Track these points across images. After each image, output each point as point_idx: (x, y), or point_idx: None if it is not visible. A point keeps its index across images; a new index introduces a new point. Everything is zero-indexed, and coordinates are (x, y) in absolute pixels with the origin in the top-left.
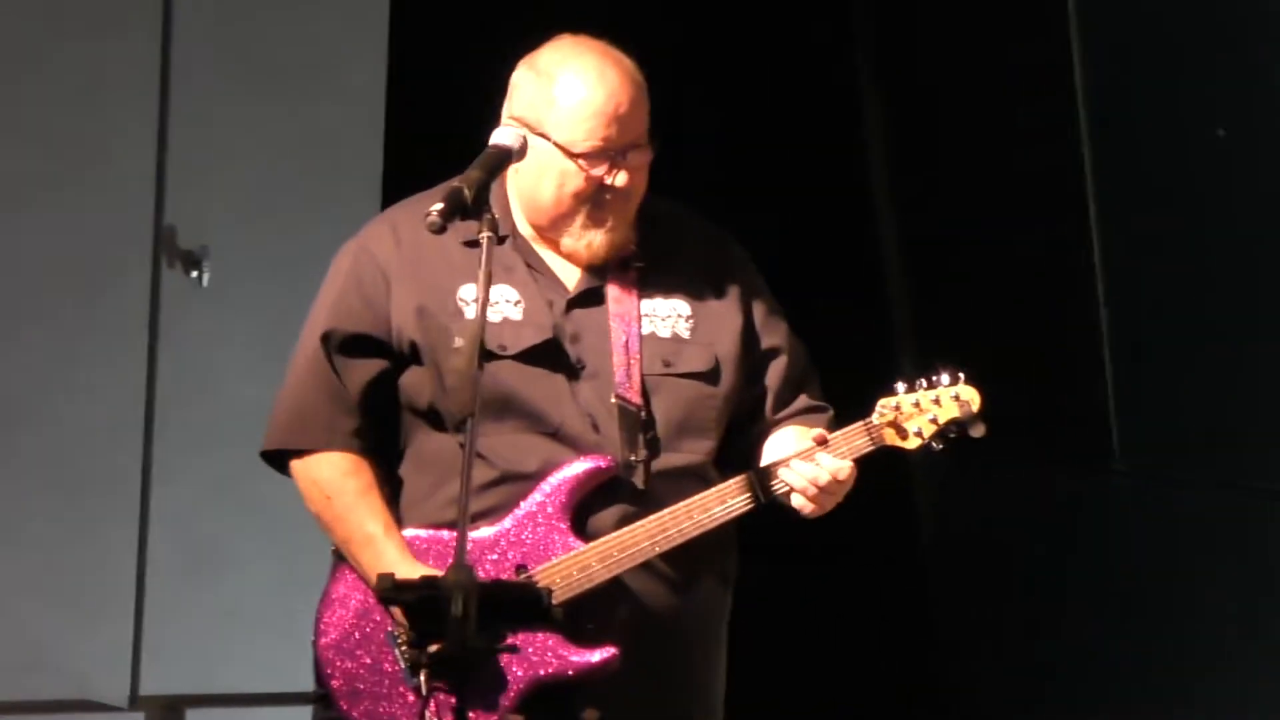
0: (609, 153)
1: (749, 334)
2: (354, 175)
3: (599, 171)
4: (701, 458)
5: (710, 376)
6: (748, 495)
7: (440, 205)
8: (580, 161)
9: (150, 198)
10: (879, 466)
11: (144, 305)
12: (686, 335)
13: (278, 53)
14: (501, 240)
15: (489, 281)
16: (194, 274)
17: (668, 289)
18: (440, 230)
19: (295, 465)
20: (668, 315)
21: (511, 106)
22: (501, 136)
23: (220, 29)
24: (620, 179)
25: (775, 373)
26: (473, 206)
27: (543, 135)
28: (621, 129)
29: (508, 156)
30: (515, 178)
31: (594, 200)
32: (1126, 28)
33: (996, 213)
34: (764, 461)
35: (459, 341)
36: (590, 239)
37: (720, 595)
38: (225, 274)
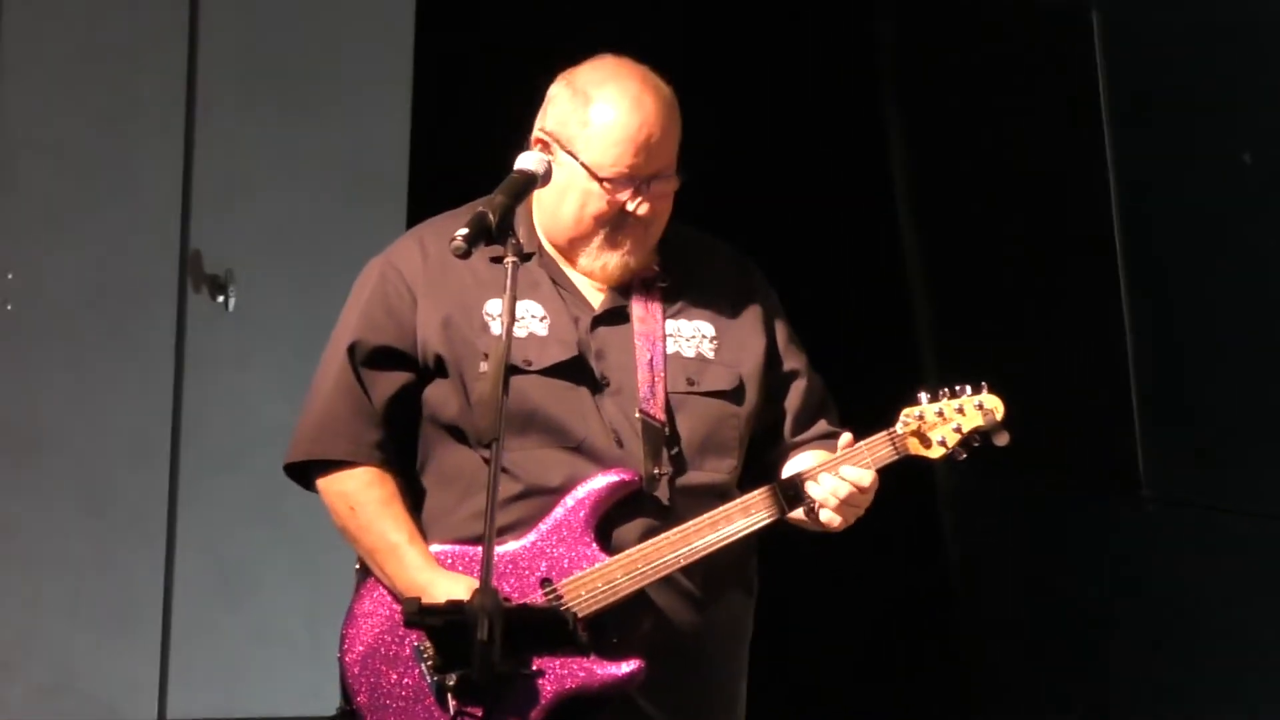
0: (634, 179)
1: (771, 356)
2: (379, 199)
3: (622, 196)
4: (725, 476)
5: (734, 395)
6: (771, 507)
7: (465, 230)
8: (605, 185)
9: (176, 222)
10: (905, 495)
11: (170, 329)
12: (711, 355)
13: (303, 77)
14: (528, 257)
15: (514, 306)
16: (219, 298)
17: (692, 310)
18: (465, 255)
19: (320, 479)
20: (692, 336)
21: (545, 120)
22: (526, 161)
23: (245, 54)
24: (643, 208)
25: (795, 395)
26: (497, 231)
27: (571, 153)
28: (650, 157)
29: (532, 181)
30: (540, 193)
31: (614, 224)
32: (1152, 51)
33: (1022, 239)
34: (786, 475)
35: (484, 366)
36: (606, 261)
37: (744, 609)
38: (250, 298)
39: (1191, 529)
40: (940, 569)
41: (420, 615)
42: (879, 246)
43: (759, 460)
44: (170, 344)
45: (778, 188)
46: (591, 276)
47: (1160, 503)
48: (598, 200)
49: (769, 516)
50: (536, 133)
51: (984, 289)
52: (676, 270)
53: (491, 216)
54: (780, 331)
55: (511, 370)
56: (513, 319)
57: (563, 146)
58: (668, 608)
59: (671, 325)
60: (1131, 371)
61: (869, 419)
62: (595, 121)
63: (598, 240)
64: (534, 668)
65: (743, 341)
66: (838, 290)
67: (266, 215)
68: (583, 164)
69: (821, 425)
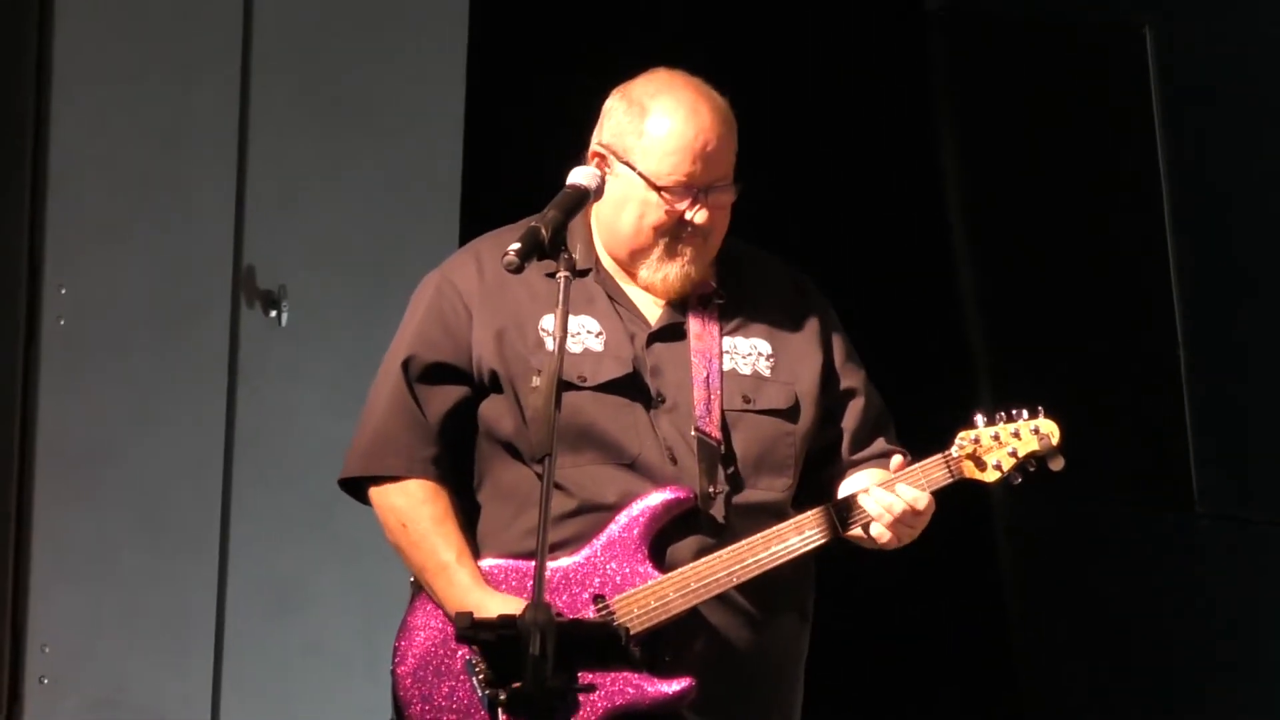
0: (692, 189)
1: (828, 374)
2: (431, 215)
3: (681, 206)
4: (780, 495)
5: (790, 414)
6: (825, 527)
7: (517, 245)
8: (663, 194)
9: (230, 238)
10: (957, 511)
11: (224, 345)
12: (767, 373)
13: (356, 94)
14: (584, 273)
15: (565, 322)
16: (273, 314)
17: (749, 328)
18: (518, 270)
19: (373, 492)
20: (748, 353)
21: (601, 133)
22: (579, 176)
23: (298, 71)
24: (700, 216)
25: (853, 414)
26: (550, 247)
27: (628, 164)
28: (707, 166)
29: (585, 197)
30: (598, 207)
31: (672, 234)
32: (1205, 63)
33: (1075, 255)
34: (842, 495)
35: (537, 380)
36: (667, 272)
37: (798, 631)
38: (303, 313)
39: (1245, 546)
40: (994, 588)
41: (473, 630)
42: (932, 264)
43: (816, 478)
44: (224, 359)
45: (831, 204)
46: (652, 289)
47: (1214, 519)
48: (656, 210)
49: (822, 536)
50: (594, 147)
51: (1037, 306)
52: (733, 287)
53: (544, 232)
54: (838, 349)
55: (566, 386)
56: (565, 333)
57: (620, 158)
58: (722, 627)
59: (728, 343)
60: (1185, 388)
61: (922, 440)
62: (652, 131)
63: (657, 252)
64: (591, 688)
65: (799, 360)
66: (891, 309)
67: (319, 231)
68: (640, 174)
69: (879, 444)
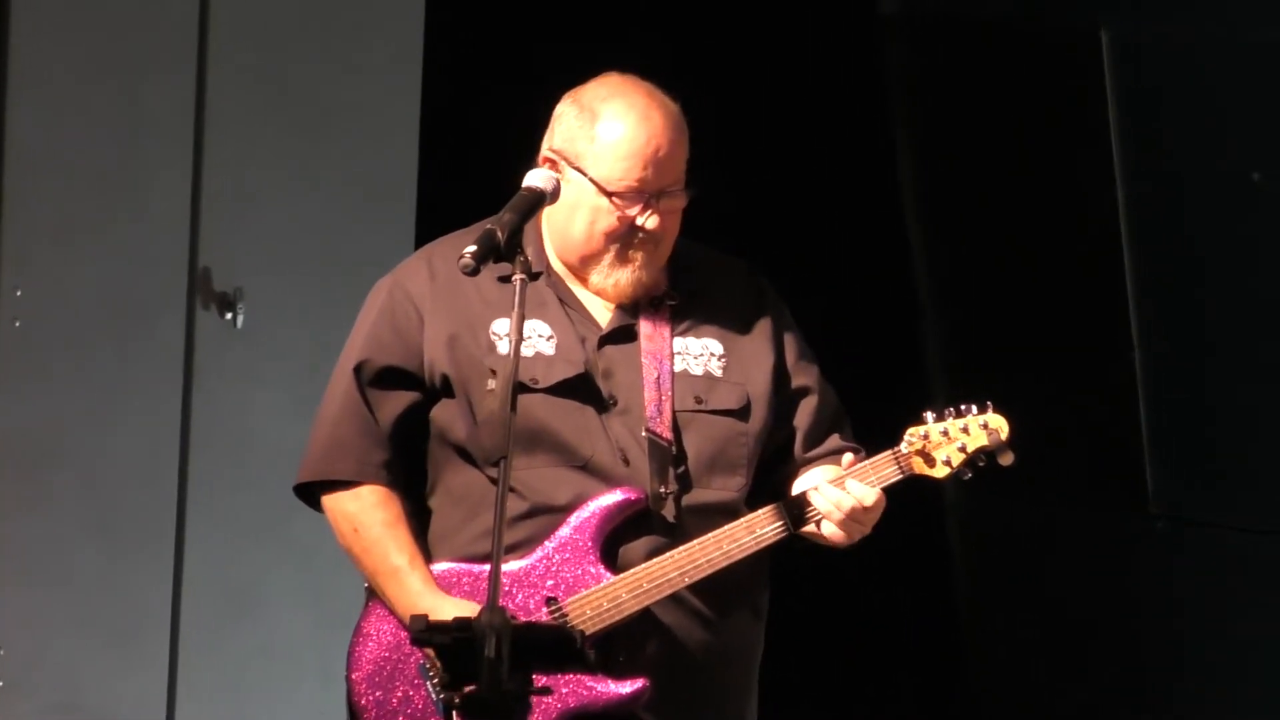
0: (643, 195)
1: (780, 373)
2: (387, 217)
3: (632, 212)
4: (733, 494)
5: (741, 414)
6: (777, 525)
7: (473, 248)
8: (614, 200)
9: (185, 239)
10: (911, 509)
11: (179, 347)
12: (719, 374)
13: (312, 95)
14: (535, 276)
15: (521, 324)
16: (228, 315)
17: (701, 328)
18: (474, 273)
19: (325, 499)
20: (700, 354)
21: (552, 139)
22: (534, 179)
23: (255, 71)
24: (651, 222)
25: (805, 412)
26: (505, 249)
27: (579, 170)
28: (658, 172)
29: (541, 199)
30: (549, 212)
31: (624, 240)
32: (1161, 70)
33: (1030, 256)
34: (794, 493)
35: (492, 384)
36: (618, 278)
37: (752, 629)
38: (259, 316)
39: (1199, 546)
40: (948, 588)
41: (428, 633)
42: (888, 265)
43: (771, 478)
44: (179, 361)
45: (787, 207)
46: (603, 294)
47: (1168, 520)
48: (607, 216)
49: (774, 534)
50: (545, 152)
51: (992, 306)
52: (685, 288)
53: (500, 234)
54: (790, 347)
55: (519, 388)
56: (520, 336)
57: (571, 164)
58: (676, 627)
59: (680, 343)
60: (1140, 389)
61: (878, 439)
62: (603, 137)
63: (608, 257)
64: (546, 691)
65: (751, 359)
66: (847, 309)
67: (275, 233)
68: (591, 180)
69: (834, 440)
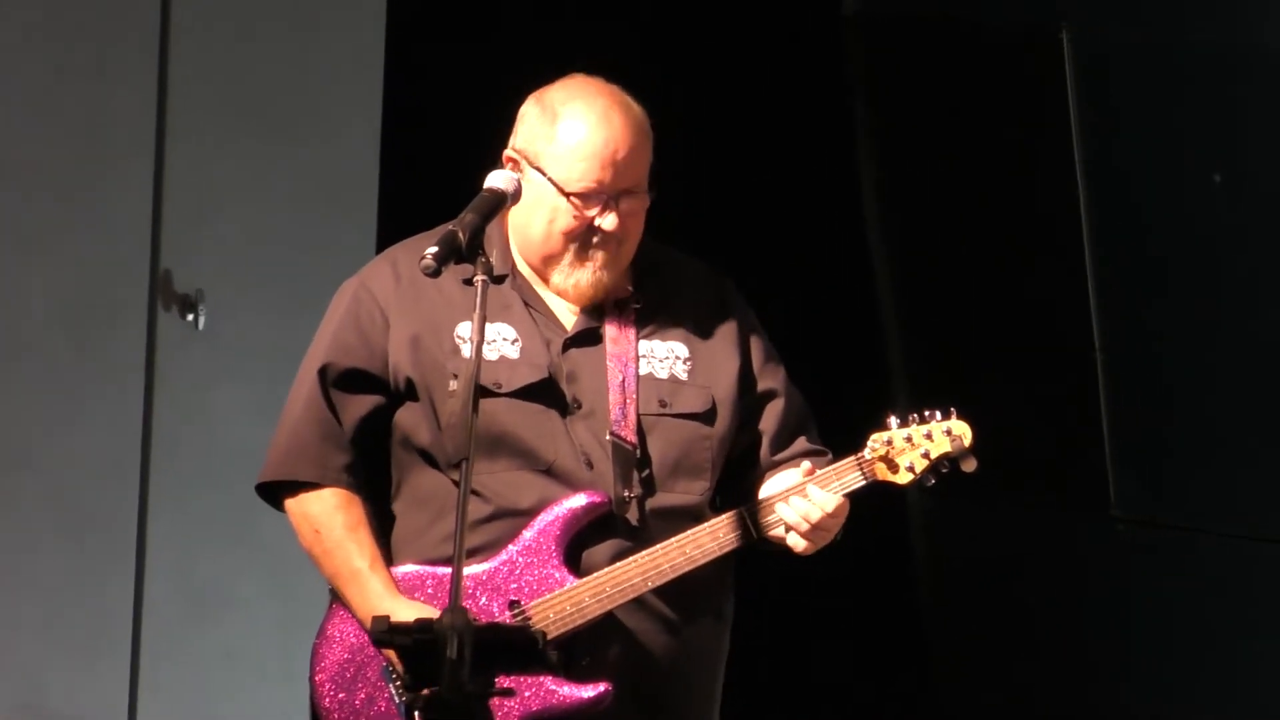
0: (602, 195)
1: (746, 377)
2: (349, 218)
3: (590, 213)
4: (696, 498)
5: (706, 417)
6: (740, 531)
7: (435, 249)
8: (572, 200)
9: (146, 241)
10: (874, 513)
11: (140, 348)
12: (684, 377)
13: (273, 97)
14: (501, 279)
15: (483, 326)
16: (189, 317)
17: (666, 331)
18: (435, 274)
19: (288, 501)
20: (665, 357)
21: (515, 139)
22: (496, 180)
23: (216, 74)
24: (609, 222)
25: (772, 416)
26: (467, 250)
27: (539, 169)
28: (617, 174)
29: (502, 200)
30: (513, 212)
31: (582, 240)
32: (1122, 70)
33: (991, 259)
34: (760, 498)
35: (454, 385)
36: (578, 278)
37: (717, 635)
38: (220, 317)
39: (1161, 549)
40: (910, 590)
41: (390, 634)
42: (849, 266)
43: (738, 482)
44: (141, 363)
45: (748, 207)
46: (564, 295)
47: (1130, 524)
48: (566, 216)
49: (736, 541)
50: (508, 151)
51: (953, 308)
52: (651, 291)
53: (461, 235)
54: (756, 351)
55: (482, 392)
56: (482, 337)
57: (531, 163)
58: (639, 631)
59: (644, 346)
60: (1102, 393)
61: (838, 443)
62: (562, 138)
63: (568, 257)
64: (509, 692)
65: (716, 363)
66: (807, 311)
67: (237, 235)
68: (550, 180)
69: (800, 444)
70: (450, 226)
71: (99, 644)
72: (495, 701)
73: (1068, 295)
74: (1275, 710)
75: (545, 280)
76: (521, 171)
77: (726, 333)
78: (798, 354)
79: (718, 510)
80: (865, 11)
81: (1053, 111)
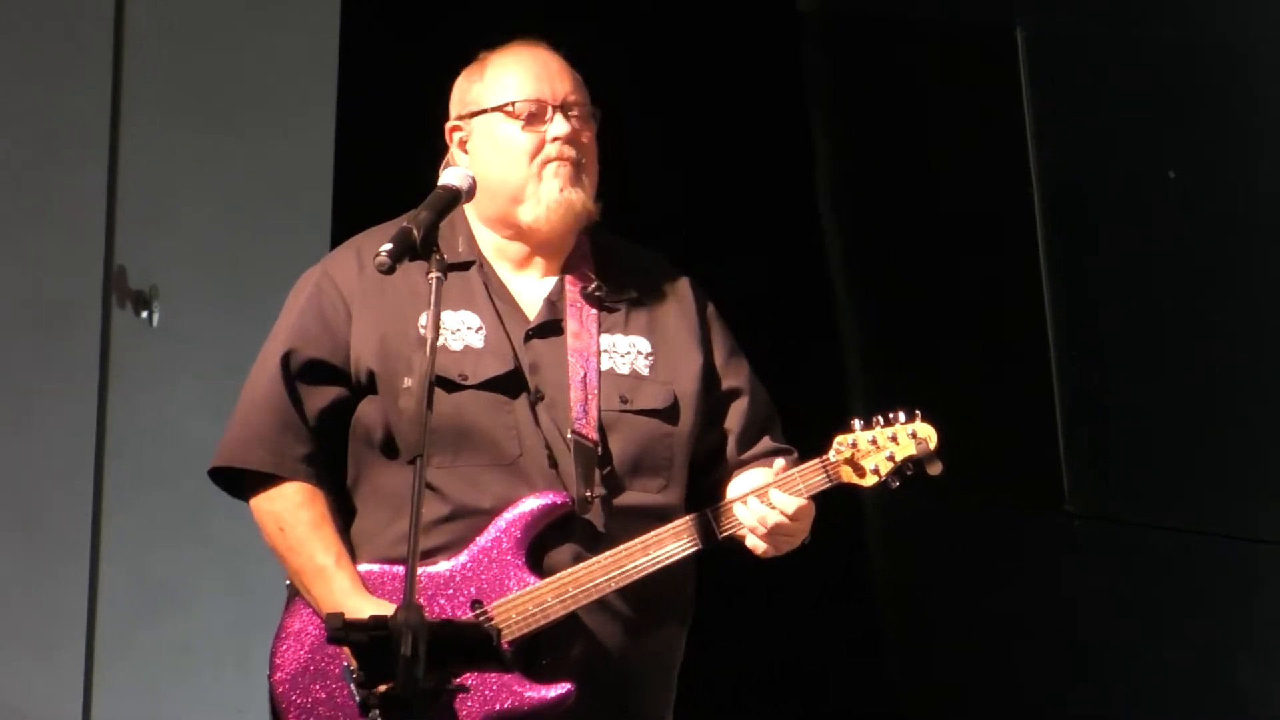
0: (545, 105)
1: (709, 374)
2: (304, 214)
3: (541, 127)
4: (658, 496)
5: (668, 414)
6: (703, 532)
7: (389, 246)
8: (521, 119)
9: (100, 238)
10: (829, 510)
11: (94, 345)
12: (645, 372)
13: (227, 94)
14: (467, 266)
15: (437, 322)
16: (144, 314)
17: (628, 324)
18: (390, 271)
19: (252, 498)
20: (627, 351)
21: (451, 115)
22: (451, 177)
23: (170, 70)
24: (560, 127)
25: (737, 414)
26: (422, 247)
27: (482, 111)
28: (554, 84)
29: (457, 197)
30: (481, 177)
31: (542, 157)
32: (1076, 67)
33: (946, 255)
34: (729, 497)
35: (408, 382)
36: (547, 202)
37: (675, 637)
38: (175, 314)
39: (1114, 545)
40: (866, 587)
41: (344, 631)
42: (805, 266)
43: (705, 481)
44: (95, 360)
45: (705, 207)
46: (536, 227)
47: (1083, 518)
48: (520, 137)
49: (698, 542)
50: (448, 128)
51: (908, 305)
52: (612, 282)
53: (416, 233)
54: (720, 347)
55: (449, 385)
56: (436, 333)
57: (474, 114)
58: (600, 632)
59: (606, 340)
60: (1055, 388)
61: (797, 441)
62: (494, 72)
63: (531, 183)
64: (464, 689)
65: (679, 358)
66: (763, 312)
67: (191, 232)
68: (494, 109)
69: (766, 442)
70: (405, 223)
71: (54, 640)
72: (458, 701)
73: (1021, 291)
74: (1229, 704)
75: (517, 231)
76: (468, 133)
77: (689, 328)
78: (755, 355)
79: (687, 509)
80: (819, 9)
81: (1007, 108)
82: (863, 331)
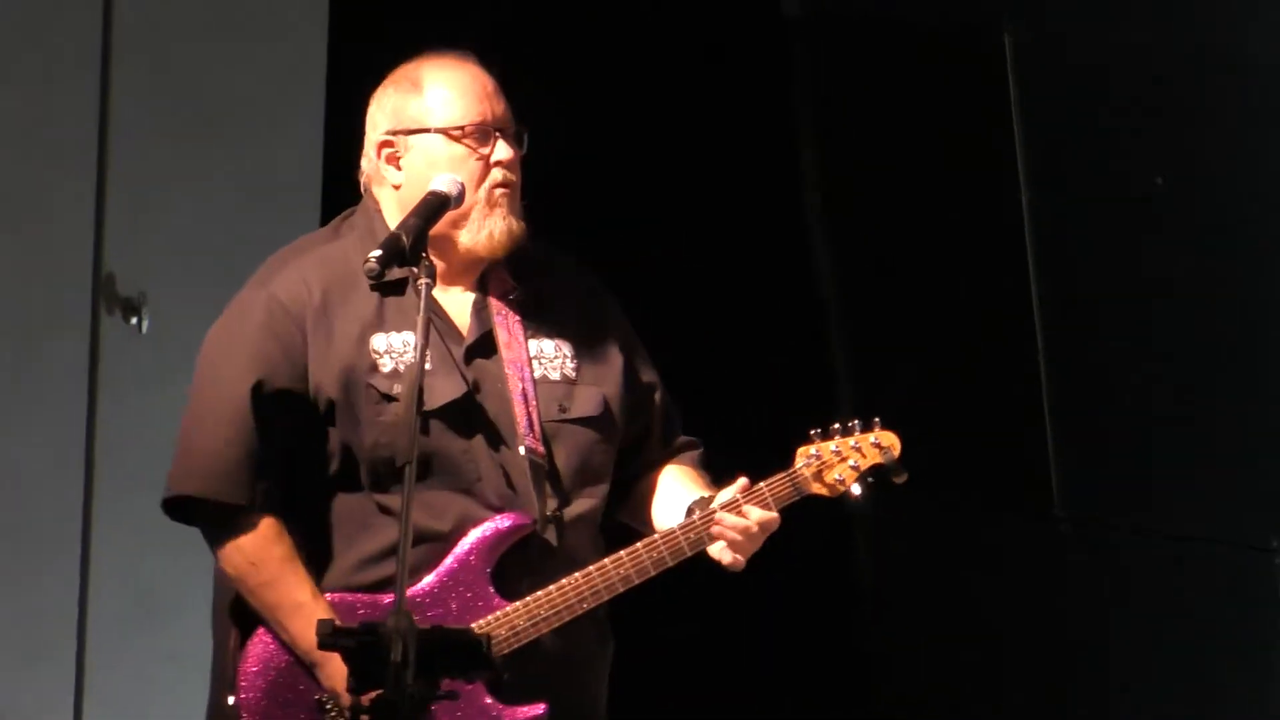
0: (488, 128)
1: (629, 371)
2: (292, 221)
3: (485, 150)
4: (598, 502)
5: (602, 421)
6: (676, 548)
7: (378, 253)
8: (466, 141)
9: (89, 245)
10: (818, 517)
11: (84, 352)
12: (574, 375)
13: (216, 100)
14: (401, 286)
15: (427, 327)
16: (133, 320)
17: (550, 329)
18: (378, 277)
19: (215, 529)
20: (554, 356)
21: (377, 129)
22: (439, 183)
23: (158, 77)
24: (504, 151)
25: (656, 409)
26: (410, 253)
27: (423, 131)
28: (493, 106)
29: (445, 203)
30: (404, 198)
31: (487, 183)
32: (1064, 73)
33: (935, 260)
34: (659, 505)
35: (398, 389)
36: (490, 228)
37: (606, 645)
38: (164, 320)
39: (1103, 548)
40: (851, 589)
41: (334, 637)
42: (792, 270)
43: (622, 472)
44: (84, 367)
45: (691, 211)
46: (475, 250)
47: (1072, 522)
48: (465, 161)
49: (672, 559)
50: (377, 141)
51: (898, 310)
52: (530, 284)
53: (405, 239)
54: (631, 344)
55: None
56: (426, 340)
57: (412, 131)
58: (556, 649)
59: (534, 346)
60: (1044, 392)
61: (784, 446)
62: (433, 91)
63: (477, 208)
64: (453, 695)
65: (601, 359)
66: (749, 315)
67: (179, 238)
68: (439, 130)
69: (681, 437)
70: (393, 230)
71: (44, 647)
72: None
73: (1010, 295)
74: (1214, 706)
75: (452, 249)
76: (402, 150)
77: (605, 326)
78: (741, 361)
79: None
80: (806, 13)
81: (995, 113)
82: (850, 335)
